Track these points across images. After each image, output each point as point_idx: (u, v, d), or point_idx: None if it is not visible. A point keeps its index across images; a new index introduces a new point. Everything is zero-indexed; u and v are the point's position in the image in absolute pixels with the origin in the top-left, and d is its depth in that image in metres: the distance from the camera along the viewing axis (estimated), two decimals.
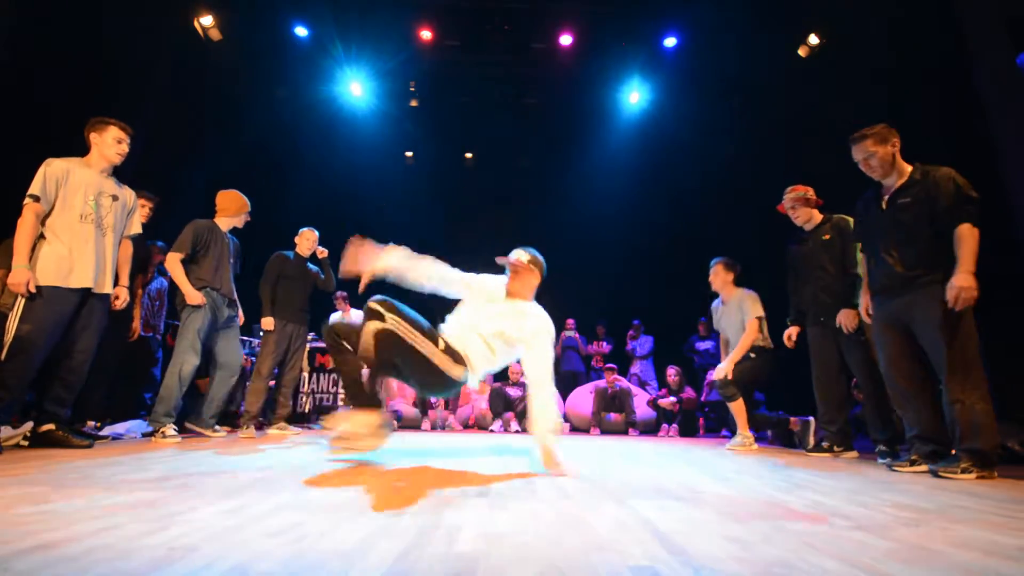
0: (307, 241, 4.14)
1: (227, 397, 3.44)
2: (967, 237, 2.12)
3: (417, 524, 1.05)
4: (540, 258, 2.26)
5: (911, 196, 2.26)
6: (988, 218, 3.94)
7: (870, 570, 0.83)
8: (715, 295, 3.92)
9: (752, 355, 3.54)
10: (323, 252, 4.17)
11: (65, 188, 2.46)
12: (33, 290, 2.30)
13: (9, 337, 2.23)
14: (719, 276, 3.77)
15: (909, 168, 2.33)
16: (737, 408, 3.55)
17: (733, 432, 5.02)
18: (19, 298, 2.29)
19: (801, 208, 3.17)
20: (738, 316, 3.64)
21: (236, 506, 1.17)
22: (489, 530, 1.01)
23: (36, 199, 2.37)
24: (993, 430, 2.05)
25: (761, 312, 3.58)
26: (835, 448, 2.87)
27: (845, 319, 2.77)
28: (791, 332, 3.26)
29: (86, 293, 2.48)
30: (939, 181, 2.21)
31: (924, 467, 2.22)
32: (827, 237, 3.02)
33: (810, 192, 3.18)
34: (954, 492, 1.68)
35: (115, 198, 2.64)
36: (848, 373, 2.92)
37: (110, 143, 2.59)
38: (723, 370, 3.56)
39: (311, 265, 4.17)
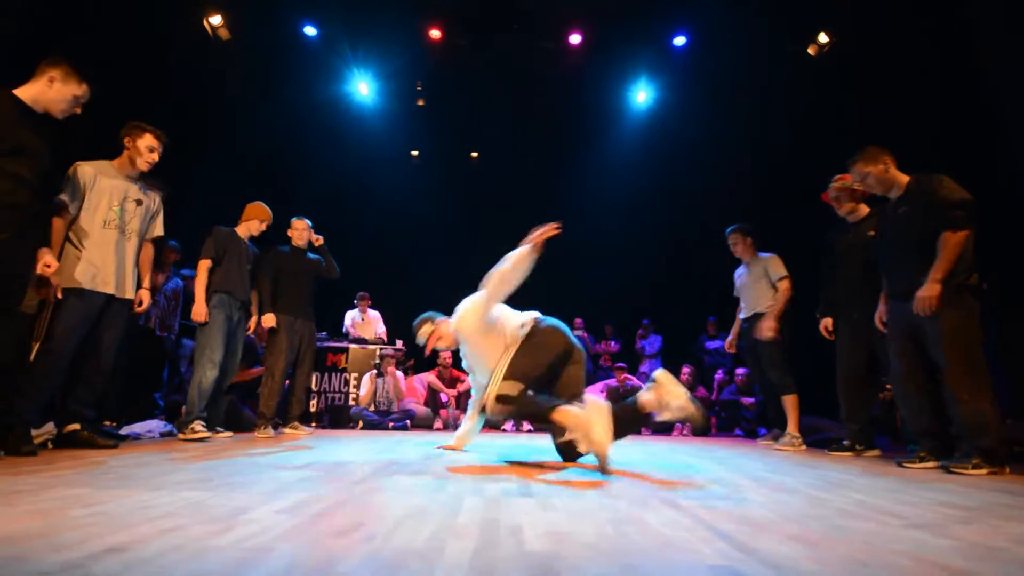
0: (299, 231, 3.97)
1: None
2: (944, 245, 2.22)
3: (476, 523, 1.04)
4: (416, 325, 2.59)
5: (909, 205, 2.40)
6: (1003, 218, 3.97)
7: (946, 568, 0.83)
8: (729, 268, 4.02)
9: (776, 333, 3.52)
10: (319, 239, 4.02)
11: (91, 193, 2.49)
12: (60, 295, 2.32)
13: (39, 338, 2.24)
14: (740, 243, 3.81)
15: (907, 179, 2.44)
16: (792, 403, 3.44)
17: (747, 432, 5.02)
18: (48, 301, 2.30)
19: (846, 201, 3.08)
20: (761, 280, 3.67)
21: (289, 505, 1.17)
22: (551, 529, 1.01)
23: (62, 203, 2.40)
24: (998, 428, 2.12)
25: (786, 272, 3.62)
26: (857, 447, 2.86)
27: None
28: (827, 323, 3.15)
29: (109, 297, 2.50)
30: (931, 188, 2.32)
31: (933, 463, 2.29)
32: (872, 233, 2.88)
33: (857, 184, 2.99)
34: (989, 490, 1.68)
35: (139, 203, 2.67)
36: (876, 373, 2.89)
37: (142, 150, 2.63)
38: (771, 327, 3.45)
39: (311, 255, 4.03)
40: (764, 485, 1.67)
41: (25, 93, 2.07)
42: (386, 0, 5.78)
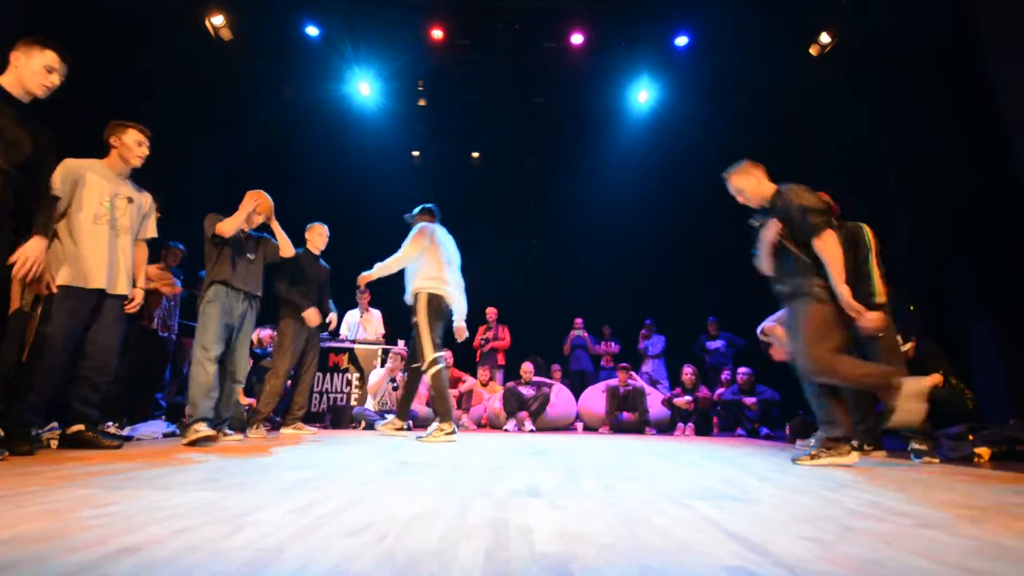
0: (320, 237, 4.07)
1: (233, 404, 3.26)
2: (822, 250, 2.27)
3: (486, 524, 1.04)
4: None
5: (773, 216, 2.46)
6: (1005, 219, 3.97)
7: (962, 568, 0.83)
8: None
9: None
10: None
11: (81, 189, 2.46)
12: (55, 290, 2.29)
13: (31, 338, 2.23)
14: None
15: (772, 190, 2.52)
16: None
17: (749, 432, 5.02)
18: (40, 299, 2.29)
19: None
20: None
21: (299, 506, 1.16)
22: (563, 530, 1.00)
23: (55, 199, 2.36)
24: (843, 419, 2.35)
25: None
26: (864, 447, 2.85)
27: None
28: None
29: (102, 294, 2.48)
30: (787, 198, 2.37)
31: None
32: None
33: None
34: (995, 490, 1.68)
35: (131, 200, 2.65)
36: None
37: (131, 146, 2.62)
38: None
39: (323, 261, 4.10)
40: (772, 485, 1.67)
41: (3, 81, 2.03)
42: (388, 0, 5.78)
